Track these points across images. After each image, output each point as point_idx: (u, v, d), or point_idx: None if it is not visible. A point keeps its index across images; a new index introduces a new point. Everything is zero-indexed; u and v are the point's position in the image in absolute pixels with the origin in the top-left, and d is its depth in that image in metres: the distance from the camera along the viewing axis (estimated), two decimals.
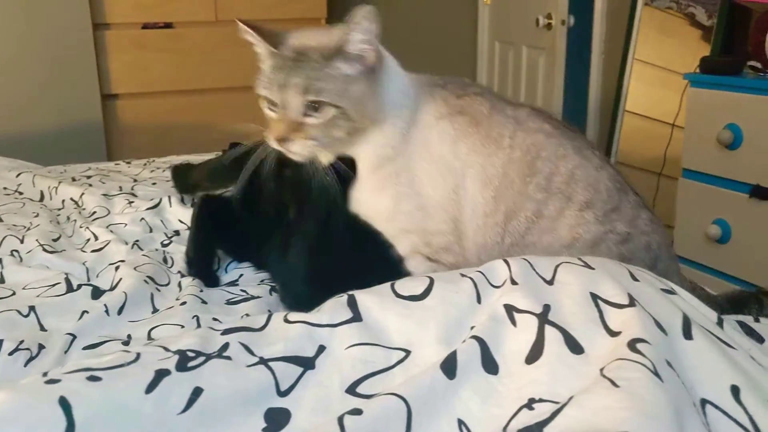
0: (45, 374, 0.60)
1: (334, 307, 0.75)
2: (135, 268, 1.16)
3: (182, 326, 0.99)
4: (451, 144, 1.01)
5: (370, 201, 1.04)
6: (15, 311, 1.04)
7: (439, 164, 1.01)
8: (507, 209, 1.00)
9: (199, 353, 0.66)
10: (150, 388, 0.60)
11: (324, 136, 0.95)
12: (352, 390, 0.67)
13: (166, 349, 0.66)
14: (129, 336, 1.01)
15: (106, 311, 1.04)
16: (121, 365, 0.62)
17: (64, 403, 0.56)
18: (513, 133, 1.02)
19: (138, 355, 0.64)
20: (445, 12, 3.72)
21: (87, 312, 1.05)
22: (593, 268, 0.81)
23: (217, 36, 2.98)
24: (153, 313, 1.07)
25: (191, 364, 0.64)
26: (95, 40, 2.81)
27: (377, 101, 0.98)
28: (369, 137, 0.99)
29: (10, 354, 0.93)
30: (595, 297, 0.75)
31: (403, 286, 0.79)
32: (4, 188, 1.71)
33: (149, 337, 1.00)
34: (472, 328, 0.73)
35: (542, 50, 3.18)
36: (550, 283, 0.78)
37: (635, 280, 0.81)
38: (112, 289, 1.13)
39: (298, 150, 0.96)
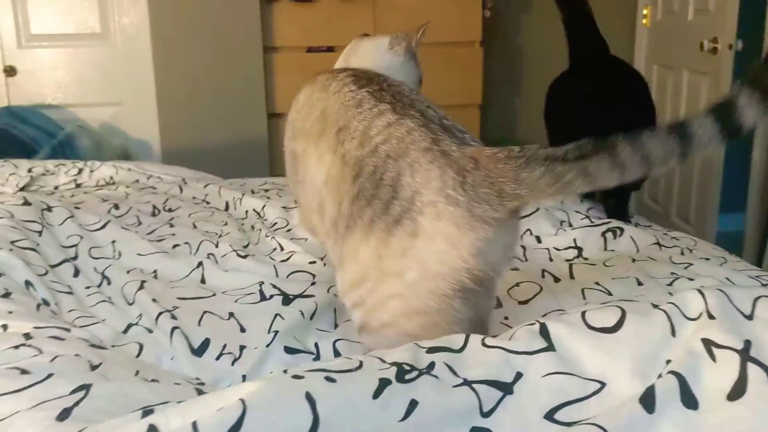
0: (286, 371, 0.68)
1: (528, 336, 0.78)
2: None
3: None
4: None
5: None
6: (217, 316, 1.17)
7: None
8: None
9: (412, 368, 0.71)
10: (376, 394, 0.66)
11: None
12: (550, 416, 0.70)
13: (383, 361, 0.72)
14: (316, 345, 1.11)
15: (301, 314, 1.15)
16: (350, 370, 0.69)
17: (310, 398, 0.63)
18: None
19: (360, 363, 0.71)
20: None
21: (280, 315, 1.15)
22: None
23: None
24: (335, 328, 1.16)
25: (407, 377, 0.69)
26: (264, 63, 3.03)
27: None
28: None
29: (217, 359, 1.05)
30: None
31: (594, 317, 0.81)
32: (193, 197, 1.89)
33: (335, 350, 1.08)
34: (668, 362, 0.74)
35: (705, 75, 3.05)
36: (750, 318, 0.78)
37: None
38: (302, 296, 1.23)
39: None
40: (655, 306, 0.81)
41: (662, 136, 0.79)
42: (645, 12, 3.59)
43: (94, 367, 0.87)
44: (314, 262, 1.41)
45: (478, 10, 3.13)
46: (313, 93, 1.05)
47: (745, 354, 0.72)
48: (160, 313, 1.18)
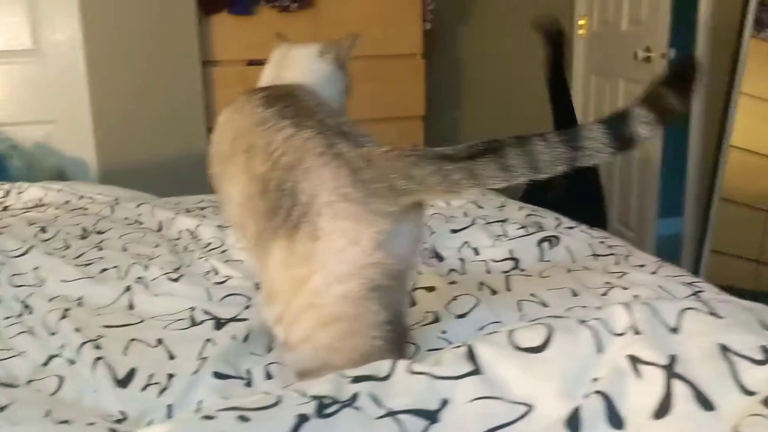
0: (198, 410, 0.65)
1: (455, 359, 0.77)
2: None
3: None
4: None
5: None
6: (145, 343, 1.12)
7: None
8: None
9: (333, 400, 0.69)
10: None
11: None
12: None
13: (303, 394, 0.69)
14: (248, 370, 1.07)
15: (233, 339, 1.11)
16: (266, 407, 0.66)
17: None
18: None
19: (279, 398, 0.68)
20: (539, 44, 3.72)
21: (211, 341, 1.11)
22: (720, 317, 0.79)
23: None
24: (269, 351, 1.13)
25: (327, 411, 0.67)
26: (204, 77, 2.97)
27: None
28: None
29: (143, 389, 1.01)
30: (724, 349, 0.74)
31: (521, 337, 0.80)
32: (126, 218, 1.83)
33: (268, 375, 1.05)
34: (594, 380, 0.73)
35: (640, 84, 3.12)
36: (675, 331, 0.77)
37: (766, 329, 0.78)
38: (235, 320, 1.19)
39: None
40: (582, 322, 0.81)
41: (552, 142, 0.79)
42: (581, 23, 3.66)
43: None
44: (250, 285, 1.37)
45: (419, 23, 3.14)
46: (230, 116, 1.08)
47: (670, 370, 0.71)
48: (84, 343, 1.13)
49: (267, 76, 1.26)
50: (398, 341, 0.94)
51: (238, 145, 1.00)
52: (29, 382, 1.04)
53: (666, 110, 0.79)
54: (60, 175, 2.86)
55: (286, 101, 1.00)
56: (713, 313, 0.80)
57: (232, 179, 1.00)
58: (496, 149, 0.80)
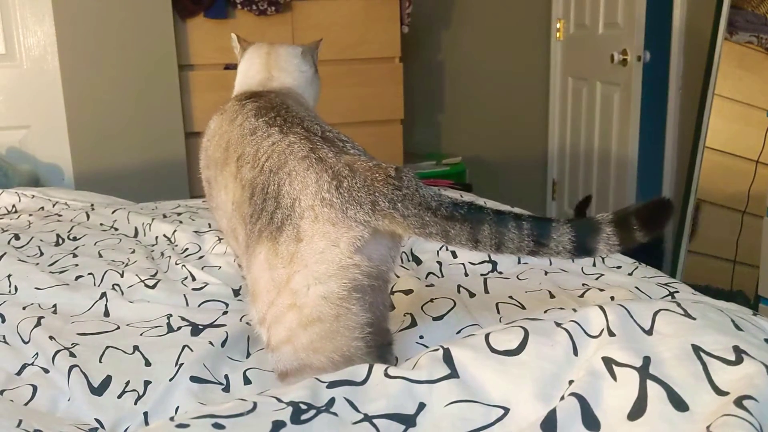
0: (172, 419, 0.64)
1: (431, 363, 0.77)
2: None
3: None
4: None
5: None
6: (120, 351, 1.11)
7: None
8: None
9: (310, 406, 0.68)
10: None
11: None
12: None
13: (279, 400, 0.69)
14: (226, 376, 1.06)
15: (211, 344, 1.11)
16: (241, 414, 0.65)
17: None
18: None
19: (255, 404, 0.68)
20: (517, 47, 3.74)
21: (188, 347, 1.11)
22: (694, 318, 0.80)
23: None
24: (247, 357, 1.12)
25: (303, 417, 0.66)
26: (180, 81, 2.95)
27: None
28: None
29: (119, 397, 0.99)
30: (697, 349, 0.74)
31: (498, 339, 0.80)
32: (101, 224, 1.81)
33: (246, 380, 1.04)
34: (570, 382, 0.74)
35: (617, 86, 3.15)
36: (649, 333, 0.78)
37: (739, 329, 0.80)
38: (212, 325, 1.18)
39: None
40: (558, 324, 0.81)
41: (523, 234, 0.83)
42: (558, 26, 3.69)
43: None
44: (227, 291, 1.36)
45: (396, 26, 3.14)
46: (222, 124, 1.10)
47: (644, 371, 0.72)
48: (58, 351, 1.11)
49: (257, 74, 1.25)
50: (379, 344, 0.95)
51: (231, 155, 1.03)
52: (2, 392, 1.02)
53: (630, 240, 0.83)
54: (34, 180, 2.82)
55: (277, 111, 1.03)
56: (687, 315, 0.81)
57: (225, 187, 1.04)
58: (474, 221, 0.83)
